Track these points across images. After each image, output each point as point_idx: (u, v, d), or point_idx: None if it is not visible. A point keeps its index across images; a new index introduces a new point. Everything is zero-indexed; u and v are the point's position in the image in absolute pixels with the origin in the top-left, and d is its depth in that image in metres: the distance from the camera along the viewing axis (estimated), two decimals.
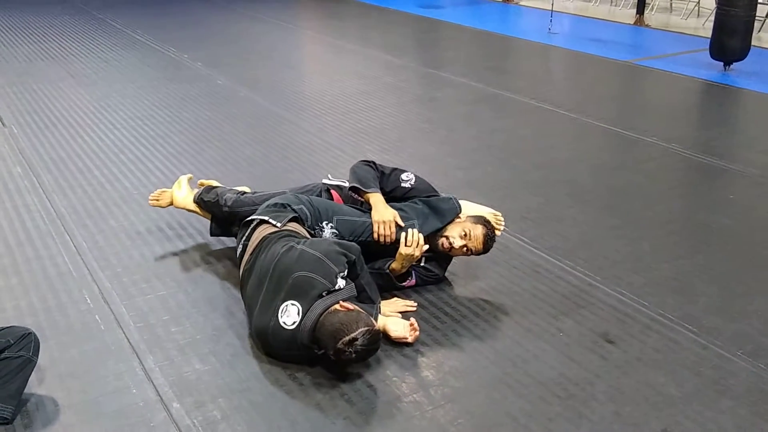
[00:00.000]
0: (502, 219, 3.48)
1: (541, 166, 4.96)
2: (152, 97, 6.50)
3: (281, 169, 4.83)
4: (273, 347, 2.80)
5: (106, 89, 6.72)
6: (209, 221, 3.68)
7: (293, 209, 3.18)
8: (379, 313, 2.98)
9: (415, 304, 3.22)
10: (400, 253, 3.15)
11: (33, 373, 2.57)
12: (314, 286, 2.73)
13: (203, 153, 5.11)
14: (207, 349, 2.91)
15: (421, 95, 6.91)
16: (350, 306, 2.71)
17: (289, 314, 2.71)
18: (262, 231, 3.08)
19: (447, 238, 3.25)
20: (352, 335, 2.56)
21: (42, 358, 2.65)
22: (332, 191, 3.51)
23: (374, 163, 3.45)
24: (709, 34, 7.72)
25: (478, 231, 3.23)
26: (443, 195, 3.44)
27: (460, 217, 3.34)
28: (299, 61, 8.47)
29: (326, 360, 2.72)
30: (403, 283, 3.32)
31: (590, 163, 5.07)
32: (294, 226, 3.11)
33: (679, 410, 2.60)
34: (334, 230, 3.22)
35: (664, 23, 10.76)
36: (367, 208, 3.34)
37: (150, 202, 3.82)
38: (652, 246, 3.83)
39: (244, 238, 3.15)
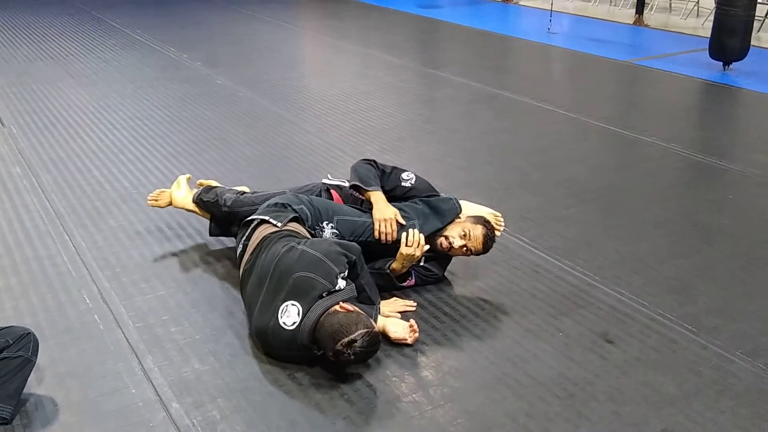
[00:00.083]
0: (502, 219, 3.48)
1: (541, 165, 4.96)
2: (152, 97, 6.50)
3: (281, 169, 4.82)
4: (273, 347, 2.80)
5: (105, 89, 6.71)
6: (208, 221, 3.68)
7: (294, 209, 3.18)
8: (379, 313, 2.98)
9: (415, 303, 3.22)
10: (401, 253, 3.15)
11: (32, 373, 2.57)
12: (315, 287, 2.73)
13: (203, 153, 5.10)
14: (206, 349, 2.91)
15: (421, 95, 6.92)
16: (350, 307, 2.70)
17: (289, 314, 2.71)
18: (263, 231, 3.08)
19: (447, 238, 3.25)
20: (352, 337, 2.56)
21: (41, 358, 2.65)
22: (332, 191, 3.51)
23: (375, 161, 3.45)
24: (708, 33, 7.72)
25: (478, 231, 3.23)
26: (443, 195, 3.44)
27: (460, 217, 3.34)
28: (299, 61, 8.46)
29: (326, 360, 2.72)
30: (403, 284, 3.32)
31: (589, 162, 5.07)
32: (294, 226, 3.11)
33: (678, 410, 2.60)
34: (335, 230, 3.22)
35: (663, 23, 10.76)
36: (367, 207, 3.34)
37: (149, 202, 3.82)
38: (652, 246, 3.83)
39: (244, 237, 3.15)
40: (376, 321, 2.88)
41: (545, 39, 9.48)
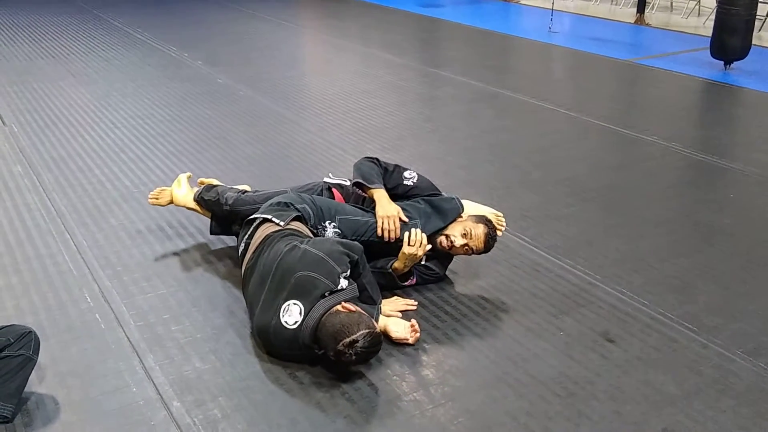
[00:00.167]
0: (504, 219, 3.48)
1: (541, 164, 4.96)
2: (152, 95, 6.50)
3: (281, 168, 4.83)
4: (274, 346, 2.80)
5: (106, 88, 6.72)
6: (209, 220, 3.68)
7: (296, 208, 3.18)
8: (380, 313, 2.98)
9: (416, 302, 3.22)
10: (403, 253, 3.15)
11: (33, 371, 2.57)
12: (317, 286, 2.73)
13: (203, 152, 5.11)
14: (207, 347, 2.91)
15: (421, 94, 6.91)
16: (352, 307, 2.70)
17: (291, 313, 2.71)
18: (265, 229, 3.08)
19: (448, 237, 3.25)
20: (353, 337, 2.56)
21: (42, 357, 2.66)
22: (333, 190, 3.51)
23: (378, 159, 3.45)
24: (709, 32, 7.72)
25: (480, 230, 3.23)
26: (445, 194, 3.44)
27: (461, 217, 3.34)
28: (300, 60, 8.46)
29: (327, 359, 2.72)
30: (405, 283, 3.32)
31: (590, 161, 5.07)
32: (297, 225, 3.12)
33: (679, 409, 2.60)
34: (337, 229, 3.22)
35: (664, 22, 10.76)
36: (369, 205, 3.34)
37: (149, 200, 3.82)
38: (652, 245, 3.83)
39: (246, 236, 3.15)
40: (377, 321, 2.88)
41: (546, 38, 9.48)
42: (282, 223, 3.07)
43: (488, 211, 3.43)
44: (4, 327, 2.59)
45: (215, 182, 3.78)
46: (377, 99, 6.49)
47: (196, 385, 2.69)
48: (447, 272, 3.45)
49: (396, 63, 7.93)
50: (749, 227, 4.09)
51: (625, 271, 3.54)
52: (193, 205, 3.73)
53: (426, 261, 3.34)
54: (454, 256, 3.41)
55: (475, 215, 3.33)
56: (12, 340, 2.50)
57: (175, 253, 3.69)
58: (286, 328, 2.70)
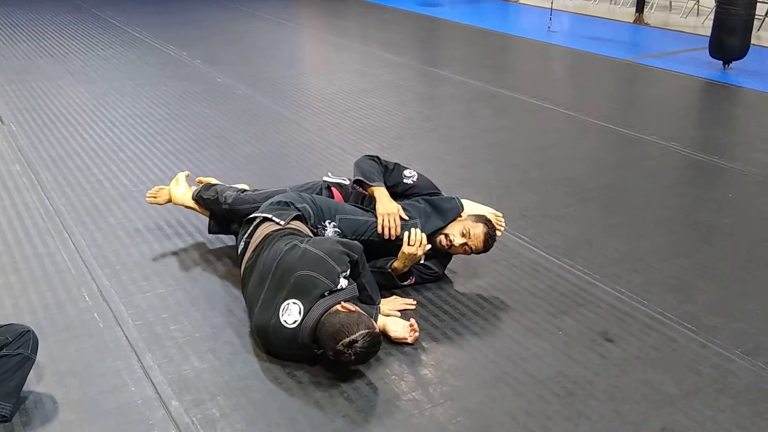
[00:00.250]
0: (503, 219, 3.48)
1: (541, 164, 4.95)
2: (151, 94, 6.49)
3: (280, 167, 4.82)
4: (273, 345, 2.80)
5: (104, 87, 6.71)
6: (208, 219, 3.68)
7: (296, 207, 3.18)
8: (379, 313, 2.98)
9: (415, 302, 3.22)
10: (403, 252, 3.15)
11: (31, 370, 2.57)
12: (316, 286, 2.73)
13: (202, 151, 5.10)
14: (206, 347, 2.91)
15: (420, 93, 6.91)
16: (351, 307, 2.70)
17: (291, 313, 2.71)
18: (265, 228, 3.08)
19: (447, 236, 3.25)
20: (352, 337, 2.55)
21: (40, 356, 2.65)
22: (333, 189, 3.51)
23: (378, 157, 3.46)
24: (708, 32, 7.72)
25: (479, 230, 3.23)
26: (445, 194, 3.44)
27: (461, 216, 3.34)
28: (299, 59, 8.46)
29: (326, 358, 2.72)
30: (404, 282, 3.32)
31: (589, 161, 5.07)
32: (297, 225, 3.11)
33: (678, 409, 2.60)
34: (337, 229, 3.22)
35: (663, 21, 10.76)
36: (369, 204, 3.34)
37: (147, 199, 3.82)
38: (652, 244, 3.83)
39: (246, 235, 3.14)
40: (376, 320, 2.88)
41: (545, 37, 9.48)
42: (282, 222, 3.07)
43: (488, 211, 3.43)
44: (2, 326, 2.58)
45: (214, 181, 3.77)
46: (376, 98, 6.49)
47: (194, 384, 2.69)
48: (446, 271, 3.44)
49: (395, 62, 7.93)
50: (748, 227, 4.09)
51: (624, 271, 3.54)
52: (192, 203, 3.72)
53: (425, 260, 3.34)
54: (453, 256, 3.41)
55: (474, 215, 3.33)
56: (10, 339, 2.50)
57: (174, 252, 3.68)
58: (285, 327, 2.70)
